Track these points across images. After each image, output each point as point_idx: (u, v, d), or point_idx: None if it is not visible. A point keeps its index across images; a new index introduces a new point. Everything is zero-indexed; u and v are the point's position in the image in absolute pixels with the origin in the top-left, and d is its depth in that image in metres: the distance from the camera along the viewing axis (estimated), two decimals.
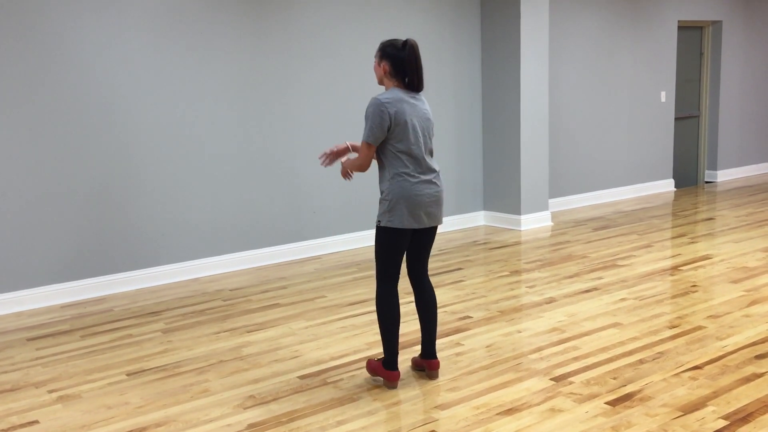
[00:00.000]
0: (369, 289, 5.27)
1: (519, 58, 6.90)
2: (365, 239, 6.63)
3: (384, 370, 3.56)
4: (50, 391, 3.66)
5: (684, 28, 9.27)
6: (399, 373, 3.56)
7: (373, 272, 5.73)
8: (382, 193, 3.46)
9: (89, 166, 5.27)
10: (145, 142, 5.48)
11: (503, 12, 6.97)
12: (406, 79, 3.46)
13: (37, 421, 3.32)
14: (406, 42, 3.41)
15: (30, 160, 5.05)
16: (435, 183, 3.48)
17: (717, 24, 9.51)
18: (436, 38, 6.91)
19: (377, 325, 4.45)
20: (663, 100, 8.95)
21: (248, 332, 4.45)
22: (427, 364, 3.67)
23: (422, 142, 3.45)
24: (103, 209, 5.35)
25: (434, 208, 3.48)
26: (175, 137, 5.61)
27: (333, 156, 3.67)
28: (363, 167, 3.49)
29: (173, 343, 4.31)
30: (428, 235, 3.58)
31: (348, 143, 3.67)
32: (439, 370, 3.71)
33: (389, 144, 3.41)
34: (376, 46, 6.48)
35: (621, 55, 8.42)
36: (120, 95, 5.34)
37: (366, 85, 6.49)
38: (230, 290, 5.41)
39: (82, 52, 5.15)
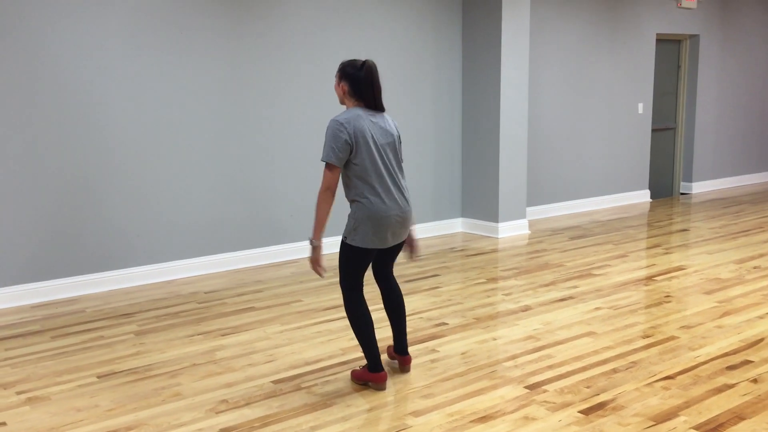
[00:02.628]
0: None
1: (499, 67, 6.94)
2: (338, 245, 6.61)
3: (370, 373, 3.59)
4: (19, 393, 3.60)
5: (662, 41, 9.38)
6: (385, 373, 3.59)
7: None
8: (350, 211, 3.47)
9: (63, 164, 5.20)
10: (121, 141, 5.42)
11: (484, 21, 7.01)
12: (364, 99, 3.44)
13: (4, 423, 3.26)
14: (364, 63, 3.40)
15: (1, 158, 4.97)
16: (399, 203, 3.45)
17: (694, 38, 9.63)
18: (417, 45, 6.92)
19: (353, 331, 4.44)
20: (640, 111, 9.04)
21: (222, 336, 4.41)
22: (399, 360, 3.76)
23: (386, 159, 3.43)
24: (76, 208, 5.29)
25: (399, 228, 3.48)
26: (151, 137, 5.55)
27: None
28: (329, 193, 3.37)
29: (146, 345, 4.26)
30: (394, 250, 3.62)
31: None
32: (414, 372, 3.72)
33: (351, 163, 3.38)
34: (358, 53, 6.49)
35: (600, 66, 8.50)
36: (97, 94, 5.28)
37: None
38: (205, 293, 5.36)
39: (59, 50, 5.09)
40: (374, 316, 4.68)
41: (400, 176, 3.50)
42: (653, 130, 9.45)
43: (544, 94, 7.99)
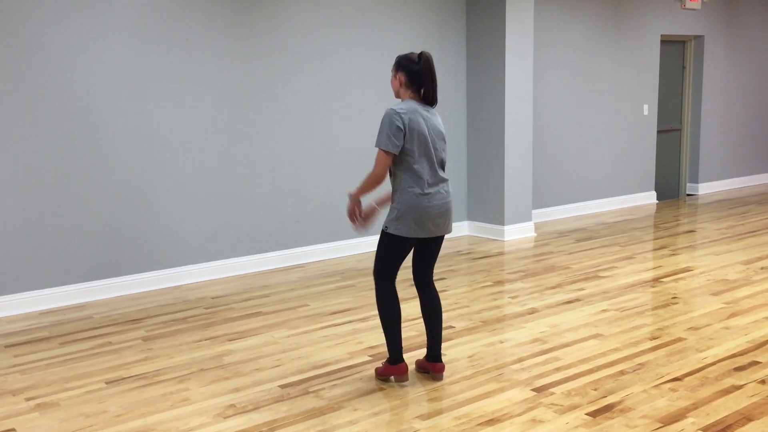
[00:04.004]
0: (352, 298, 5.26)
1: (504, 70, 6.94)
2: (349, 248, 6.63)
3: (391, 366, 3.63)
4: (28, 399, 3.62)
5: (667, 42, 9.37)
6: (406, 365, 3.64)
7: (357, 281, 5.72)
8: (393, 201, 3.52)
9: (70, 173, 5.23)
10: (128, 148, 5.45)
11: (489, 23, 7.02)
12: (422, 91, 3.52)
13: (14, 429, 3.28)
14: (421, 54, 3.49)
15: (10, 166, 5.00)
16: (443, 193, 3.54)
17: (699, 38, 9.62)
18: (422, 48, 6.93)
19: (359, 334, 4.46)
20: (645, 113, 9.03)
21: (230, 340, 4.43)
22: (431, 367, 3.74)
23: (433, 153, 3.51)
24: (84, 215, 5.31)
25: (442, 219, 3.55)
26: (157, 143, 5.58)
27: (363, 220, 3.65)
28: (379, 178, 3.46)
29: (153, 351, 4.28)
30: (435, 243, 3.64)
31: (373, 203, 3.67)
32: (421, 375, 3.72)
33: (401, 154, 3.45)
34: (363, 54, 6.50)
35: (604, 68, 8.49)
36: (105, 101, 5.31)
37: (353, 93, 6.50)
38: (212, 298, 5.38)
39: (66, 55, 5.12)
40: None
41: (442, 170, 3.57)
42: (659, 132, 9.43)
43: (548, 97, 7.99)
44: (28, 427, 3.30)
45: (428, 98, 3.53)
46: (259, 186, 6.10)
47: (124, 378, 3.86)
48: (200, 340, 4.44)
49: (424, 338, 4.35)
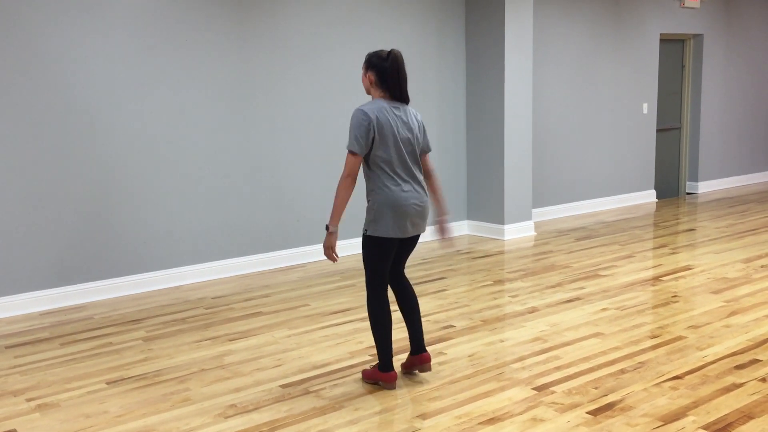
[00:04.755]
0: (353, 298, 5.26)
1: (503, 68, 6.94)
2: (349, 248, 6.62)
3: (381, 373, 3.61)
4: (29, 400, 3.62)
5: (666, 40, 9.38)
6: (396, 373, 3.62)
7: (358, 281, 5.72)
8: (368, 201, 3.50)
9: (71, 173, 5.23)
10: (128, 149, 5.45)
11: (488, 22, 7.02)
12: (391, 89, 3.49)
13: (14, 430, 3.28)
14: (390, 52, 3.45)
15: (10, 167, 5.00)
16: (418, 193, 3.51)
17: (698, 37, 9.62)
18: (421, 46, 6.93)
19: (360, 334, 4.46)
20: (645, 111, 9.03)
21: (230, 341, 4.43)
22: (417, 360, 3.72)
23: (406, 152, 3.48)
24: (84, 216, 5.31)
25: (418, 219, 3.53)
26: (158, 145, 5.58)
27: (443, 235, 3.74)
28: (349, 180, 3.42)
29: (154, 351, 4.28)
30: (412, 241, 3.64)
31: (437, 219, 3.73)
32: (422, 375, 3.72)
33: (373, 153, 3.43)
34: (362, 54, 6.50)
35: (604, 66, 8.49)
36: (105, 103, 5.31)
37: (352, 93, 6.50)
38: (213, 298, 5.38)
39: (64, 57, 5.12)
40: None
41: (417, 169, 3.54)
42: (658, 130, 9.44)
43: (548, 95, 7.99)
44: (28, 428, 3.30)
45: (397, 96, 3.49)
46: (259, 186, 6.10)
47: (125, 378, 3.86)
48: (201, 341, 4.44)
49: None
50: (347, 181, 3.42)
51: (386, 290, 3.58)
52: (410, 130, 3.50)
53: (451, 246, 3.73)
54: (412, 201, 3.47)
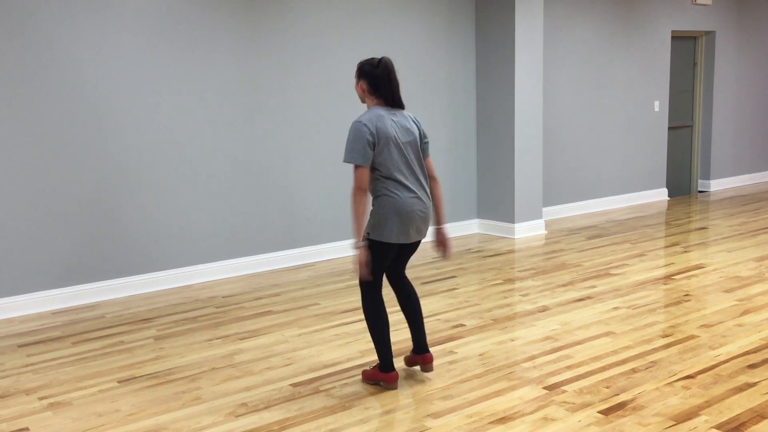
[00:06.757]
0: None
1: (513, 67, 6.92)
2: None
3: (382, 373, 3.61)
4: (41, 398, 3.64)
5: (677, 38, 9.32)
6: (397, 373, 3.61)
7: None
8: (372, 206, 3.50)
9: (82, 172, 5.26)
10: (138, 148, 5.47)
11: (498, 20, 7.00)
12: (384, 96, 3.48)
13: (27, 429, 3.30)
14: (380, 60, 3.46)
15: (22, 166, 5.03)
16: (422, 199, 3.50)
17: (710, 34, 9.56)
18: (430, 46, 6.92)
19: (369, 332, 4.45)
20: (656, 109, 8.98)
21: (241, 339, 4.44)
22: (420, 359, 3.72)
23: (408, 157, 3.48)
24: (95, 215, 5.33)
25: (422, 225, 3.54)
26: (168, 144, 5.60)
27: (442, 248, 3.73)
28: (361, 189, 3.39)
29: (165, 350, 4.29)
30: (413, 247, 3.65)
31: (437, 229, 3.71)
32: (432, 374, 3.72)
33: (376, 161, 3.43)
34: (372, 55, 6.50)
35: (615, 64, 8.46)
36: (114, 102, 5.33)
37: None
38: (223, 297, 5.39)
39: (75, 57, 5.14)
40: (390, 318, 4.69)
41: (421, 174, 3.53)
42: (670, 128, 9.39)
43: (558, 94, 7.96)
44: (41, 426, 3.32)
45: (390, 102, 3.49)
46: (270, 185, 6.11)
47: (136, 377, 3.88)
48: (211, 339, 4.45)
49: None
50: (359, 195, 3.40)
51: (380, 292, 3.58)
52: (410, 134, 3.50)
53: (447, 257, 3.73)
54: (417, 207, 3.47)
